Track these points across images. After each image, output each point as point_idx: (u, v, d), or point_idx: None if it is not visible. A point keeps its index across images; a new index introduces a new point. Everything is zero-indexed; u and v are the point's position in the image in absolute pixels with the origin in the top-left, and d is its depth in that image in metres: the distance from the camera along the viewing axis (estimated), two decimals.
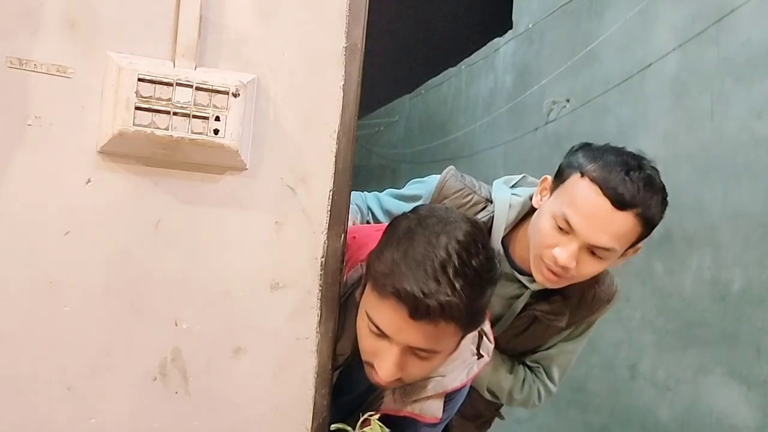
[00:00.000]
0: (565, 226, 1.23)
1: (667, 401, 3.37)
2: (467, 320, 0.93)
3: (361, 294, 1.00)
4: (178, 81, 0.84)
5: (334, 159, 0.95)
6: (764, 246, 2.91)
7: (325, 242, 0.94)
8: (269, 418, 0.92)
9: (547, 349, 1.50)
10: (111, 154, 0.85)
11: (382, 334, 0.94)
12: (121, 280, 0.86)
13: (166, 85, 0.84)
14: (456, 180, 1.42)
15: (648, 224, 1.23)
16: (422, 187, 1.47)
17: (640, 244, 1.30)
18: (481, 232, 0.97)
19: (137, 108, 0.83)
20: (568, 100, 4.62)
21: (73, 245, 0.84)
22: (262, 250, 0.91)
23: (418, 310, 0.88)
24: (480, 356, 1.14)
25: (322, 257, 0.94)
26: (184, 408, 0.89)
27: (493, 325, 1.26)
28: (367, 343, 0.98)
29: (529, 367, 1.51)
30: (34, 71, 0.82)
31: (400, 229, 0.95)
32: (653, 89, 3.74)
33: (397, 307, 0.90)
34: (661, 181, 1.26)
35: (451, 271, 0.89)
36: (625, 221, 1.20)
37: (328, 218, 0.94)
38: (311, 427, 0.94)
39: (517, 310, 1.42)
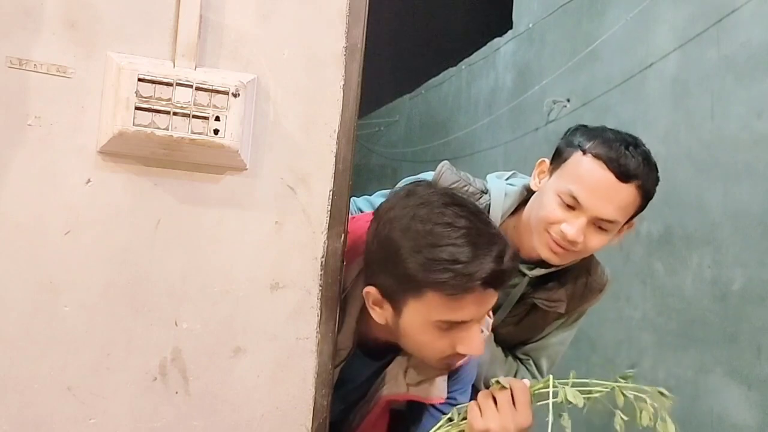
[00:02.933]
0: (572, 202, 1.27)
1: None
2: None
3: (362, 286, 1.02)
4: (178, 81, 0.84)
5: (334, 159, 0.94)
6: (764, 245, 2.91)
7: (325, 242, 0.94)
8: (269, 418, 0.92)
9: (539, 339, 1.51)
10: (111, 154, 0.85)
11: (449, 325, 0.97)
12: (121, 280, 0.86)
13: (166, 85, 0.84)
14: (452, 173, 1.46)
15: (646, 197, 1.29)
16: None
17: (634, 220, 1.35)
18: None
19: (137, 108, 0.83)
20: (568, 100, 4.62)
21: (73, 245, 0.84)
22: (262, 250, 0.91)
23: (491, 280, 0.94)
24: None
25: (322, 257, 0.94)
26: (184, 408, 0.89)
27: (492, 314, 1.27)
28: (437, 345, 0.99)
29: (520, 360, 1.52)
30: (34, 71, 0.82)
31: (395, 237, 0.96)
32: (654, 89, 3.74)
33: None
34: (654, 159, 1.32)
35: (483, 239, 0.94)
36: (629, 193, 1.26)
37: (328, 218, 0.94)
38: (311, 427, 0.94)
39: (515, 299, 1.44)
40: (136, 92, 0.83)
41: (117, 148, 0.85)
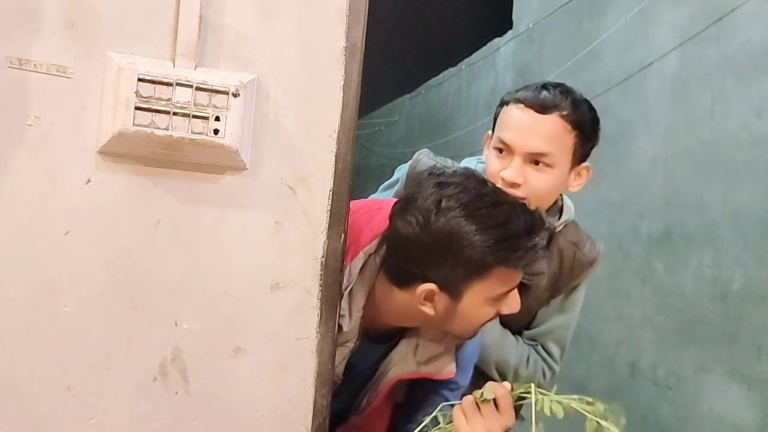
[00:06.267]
0: (503, 146, 1.36)
1: (667, 400, 3.37)
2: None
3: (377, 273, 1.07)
4: (178, 81, 0.84)
5: (334, 159, 0.94)
6: (764, 245, 2.91)
7: (325, 242, 0.94)
8: (269, 418, 0.92)
9: (541, 324, 1.52)
10: (111, 154, 0.85)
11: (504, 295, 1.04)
12: (121, 280, 0.86)
13: (166, 85, 0.84)
14: (428, 158, 1.52)
15: (579, 128, 1.35)
16: (401, 170, 1.59)
17: (588, 164, 1.41)
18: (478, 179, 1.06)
19: (137, 108, 0.83)
20: None
21: (73, 245, 0.84)
22: (262, 250, 0.92)
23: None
24: None
25: (322, 257, 0.94)
26: (184, 408, 0.89)
27: None
28: (487, 316, 1.06)
29: (529, 345, 1.52)
30: (34, 71, 0.82)
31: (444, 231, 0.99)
32: (654, 88, 3.74)
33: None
34: (583, 96, 1.40)
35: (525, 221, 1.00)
36: (552, 123, 1.33)
37: (328, 218, 0.94)
38: (311, 427, 0.94)
39: None
40: (136, 92, 0.83)
41: (117, 148, 0.85)
